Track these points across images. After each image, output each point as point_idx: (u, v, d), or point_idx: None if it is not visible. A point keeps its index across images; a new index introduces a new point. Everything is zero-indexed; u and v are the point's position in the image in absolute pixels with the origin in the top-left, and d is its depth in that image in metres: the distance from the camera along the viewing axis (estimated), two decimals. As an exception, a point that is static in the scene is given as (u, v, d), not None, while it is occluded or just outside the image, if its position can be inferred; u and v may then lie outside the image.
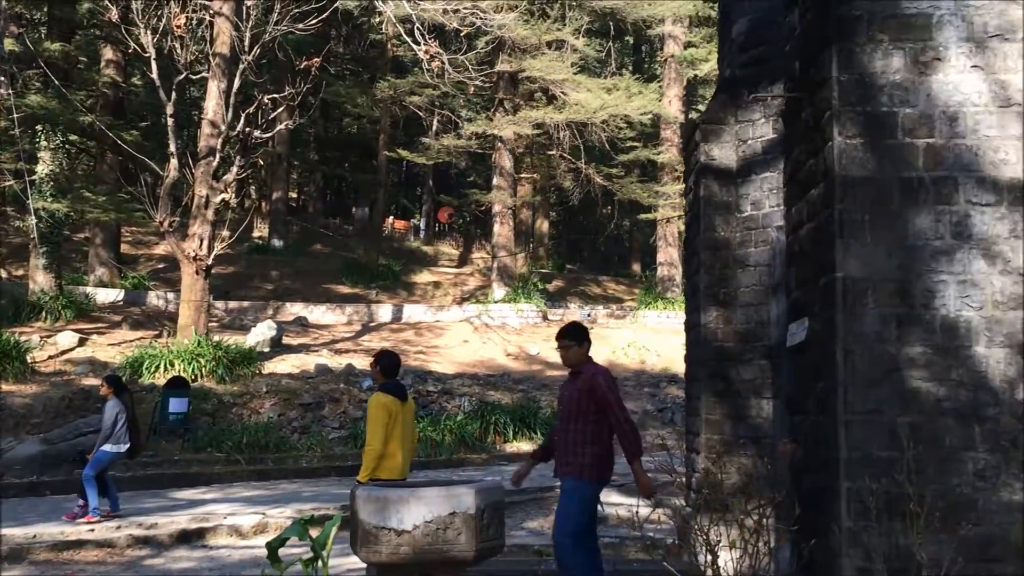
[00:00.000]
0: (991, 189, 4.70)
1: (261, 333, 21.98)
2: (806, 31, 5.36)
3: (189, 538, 9.95)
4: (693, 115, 33.17)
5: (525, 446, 17.81)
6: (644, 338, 26.44)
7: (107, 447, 10.91)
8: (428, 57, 19.50)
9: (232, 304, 27.22)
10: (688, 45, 31.57)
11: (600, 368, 6.27)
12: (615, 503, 10.99)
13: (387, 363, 7.31)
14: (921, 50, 4.82)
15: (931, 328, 4.63)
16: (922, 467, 4.49)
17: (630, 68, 39.30)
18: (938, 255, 4.68)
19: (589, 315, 29.34)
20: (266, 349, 21.45)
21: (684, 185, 10.05)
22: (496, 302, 28.60)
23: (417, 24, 19.51)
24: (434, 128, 31.48)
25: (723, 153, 8.95)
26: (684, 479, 8.73)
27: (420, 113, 30.22)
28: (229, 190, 20.23)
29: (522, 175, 33.80)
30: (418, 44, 19.64)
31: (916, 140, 4.77)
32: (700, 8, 30.44)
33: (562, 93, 27.38)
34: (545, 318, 27.82)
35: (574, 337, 6.31)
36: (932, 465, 4.52)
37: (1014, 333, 4.60)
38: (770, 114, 8.70)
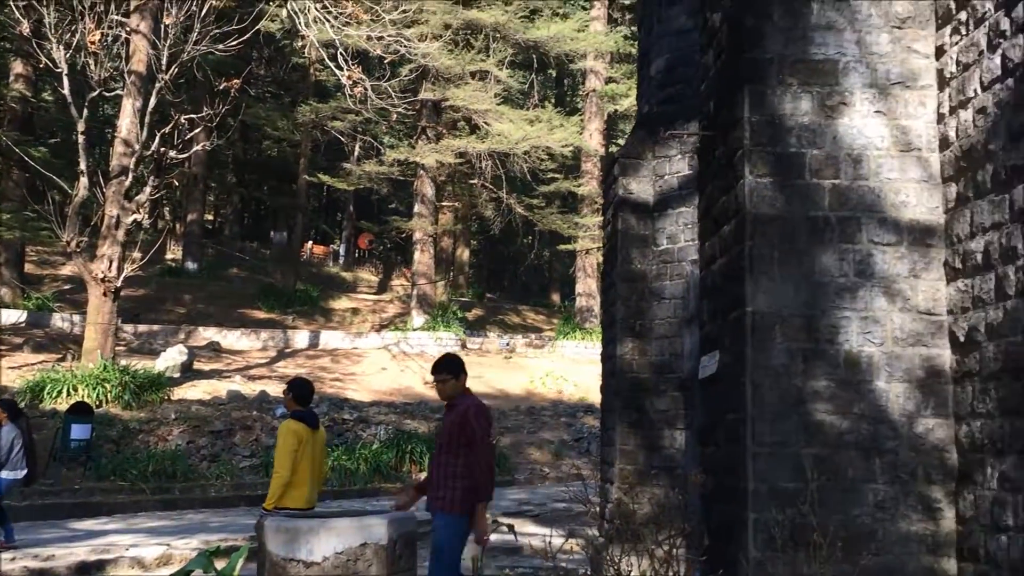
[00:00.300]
0: (892, 230, 4.89)
1: (171, 358, 21.39)
2: (720, 72, 5.51)
3: (88, 570, 9.56)
4: (613, 149, 33.73)
5: (441, 475, 17.65)
6: (562, 368, 26.59)
7: (3, 474, 10.44)
8: (351, 82, 19.43)
9: (142, 328, 26.44)
10: (609, 80, 32.19)
11: (473, 401, 6.17)
12: (530, 533, 10.97)
13: (299, 391, 7.21)
14: (828, 94, 5.01)
15: (835, 363, 4.78)
16: (825, 498, 4.61)
17: (552, 101, 39.84)
18: (842, 292, 4.84)
19: (508, 344, 29.39)
20: (176, 374, 20.87)
21: (603, 217, 10.21)
22: (415, 330, 28.44)
23: (340, 50, 19.44)
24: (356, 154, 31.31)
25: (641, 187, 9.12)
26: (598, 509, 8.78)
27: (342, 138, 30.03)
28: (142, 211, 19.71)
29: (444, 203, 33.82)
30: (341, 69, 19.56)
31: (823, 180, 4.94)
32: (621, 45, 31.12)
33: (485, 123, 27.56)
34: (464, 347, 27.77)
35: (450, 370, 6.14)
36: (835, 496, 4.64)
37: (912, 369, 4.77)
38: (686, 150, 8.91)
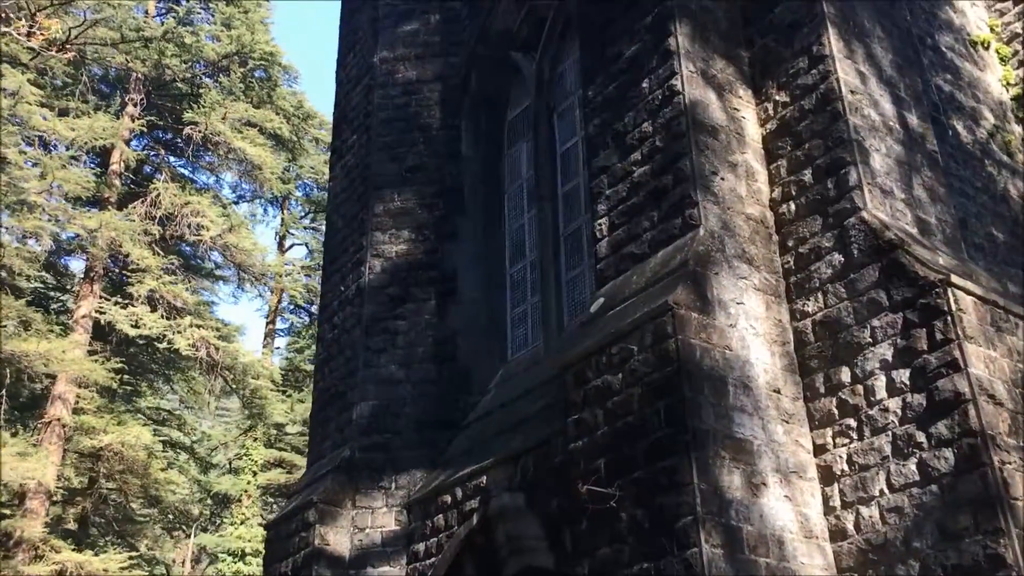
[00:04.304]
0: (818, 624, 4.97)
1: None
2: (623, 431, 5.41)
3: None
4: (75, 485, 29.96)
5: None
6: None
7: None
8: None
9: None
10: (81, 411, 29.00)
11: None
12: None
13: None
14: (751, 473, 5.19)
15: None
16: None
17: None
18: None
19: None
20: None
21: (279, 565, 8.61)
22: None
23: None
24: None
25: (337, 539, 8.15)
26: None
27: None
28: None
29: None
30: None
31: (759, 558, 4.94)
32: (105, 377, 28.70)
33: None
34: None
35: None
36: None
37: None
38: (393, 504, 8.32)
